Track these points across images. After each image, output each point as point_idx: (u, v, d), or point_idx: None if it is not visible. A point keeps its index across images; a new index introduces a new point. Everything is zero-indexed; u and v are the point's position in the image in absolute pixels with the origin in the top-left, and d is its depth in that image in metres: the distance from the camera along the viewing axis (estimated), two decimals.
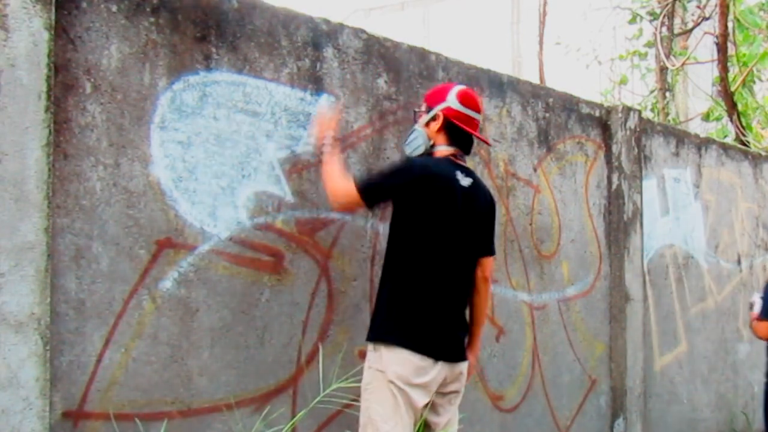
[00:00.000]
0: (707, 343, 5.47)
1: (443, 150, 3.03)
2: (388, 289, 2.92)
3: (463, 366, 3.01)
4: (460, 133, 3.03)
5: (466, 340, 3.10)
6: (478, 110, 3.09)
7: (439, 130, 3.03)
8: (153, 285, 2.74)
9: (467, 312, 3.11)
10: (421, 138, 3.03)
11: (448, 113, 3.01)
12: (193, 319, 2.84)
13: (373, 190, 2.92)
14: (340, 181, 2.95)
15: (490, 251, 3.15)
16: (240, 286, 2.97)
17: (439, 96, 3.07)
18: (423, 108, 3.12)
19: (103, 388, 2.62)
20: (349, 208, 3.07)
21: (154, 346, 2.74)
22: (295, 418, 2.99)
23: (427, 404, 2.85)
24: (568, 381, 4.36)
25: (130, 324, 2.68)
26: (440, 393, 2.94)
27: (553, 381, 4.27)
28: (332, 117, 3.15)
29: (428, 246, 2.90)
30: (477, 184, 3.07)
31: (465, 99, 3.05)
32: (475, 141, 3.20)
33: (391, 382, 2.78)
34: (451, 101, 3.03)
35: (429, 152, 3.03)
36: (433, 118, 3.03)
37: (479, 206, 3.05)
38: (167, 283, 2.78)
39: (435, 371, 2.85)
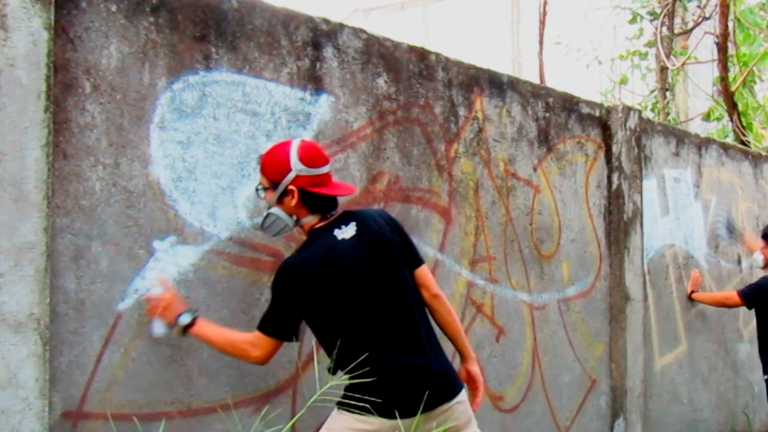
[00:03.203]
0: (707, 343, 5.47)
1: (310, 221, 2.71)
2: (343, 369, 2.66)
3: (452, 405, 2.73)
4: (321, 198, 2.69)
5: (452, 371, 2.83)
6: (326, 162, 2.70)
7: (297, 204, 2.66)
8: (153, 285, 2.74)
9: (431, 342, 2.79)
10: (282, 219, 2.68)
11: (301, 183, 2.63)
12: None
13: (283, 327, 2.64)
14: (243, 341, 2.66)
15: (417, 262, 2.81)
16: (240, 286, 2.97)
17: (281, 165, 2.64)
18: (265, 183, 2.70)
19: (103, 388, 2.62)
20: (275, 352, 2.67)
21: (153, 346, 2.73)
22: (294, 418, 2.98)
23: None
24: (568, 381, 4.36)
25: (130, 324, 2.68)
26: None
27: (553, 381, 4.27)
28: (172, 296, 2.67)
29: (356, 318, 2.64)
30: (361, 222, 2.72)
31: (310, 158, 2.65)
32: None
33: None
34: (298, 168, 2.62)
35: (298, 225, 2.73)
36: (285, 193, 2.65)
37: (376, 240, 2.70)
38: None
39: (407, 426, 2.59)
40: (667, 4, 9.50)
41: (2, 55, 2.36)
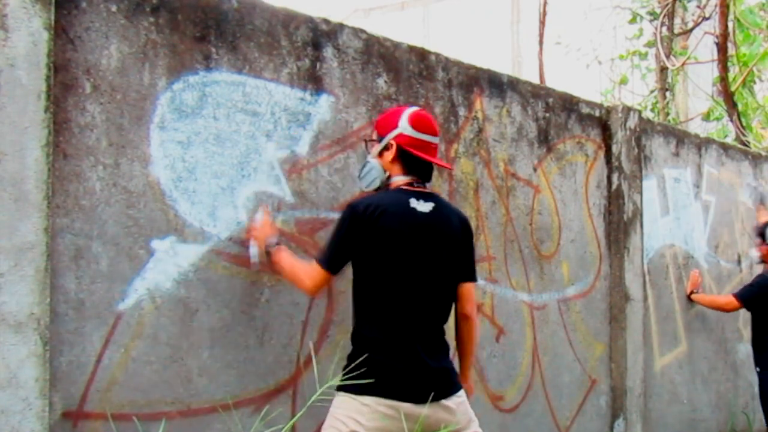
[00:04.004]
0: (707, 343, 5.47)
1: (399, 180, 2.80)
2: (352, 334, 2.79)
3: (452, 401, 2.76)
4: (416, 161, 2.79)
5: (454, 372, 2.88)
6: (434, 133, 2.83)
7: (393, 160, 2.79)
8: (153, 285, 2.74)
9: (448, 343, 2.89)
10: (376, 170, 2.81)
11: (401, 140, 2.77)
12: (193, 319, 2.84)
13: (333, 259, 2.74)
14: (302, 270, 2.79)
15: (470, 277, 2.91)
16: (240, 286, 2.97)
17: (390, 122, 2.82)
18: (374, 136, 2.89)
19: (103, 388, 2.62)
20: (323, 285, 2.83)
21: (153, 346, 2.74)
22: (294, 418, 2.99)
23: None
24: (568, 381, 4.36)
25: (130, 324, 2.68)
26: None
27: (553, 381, 4.27)
28: (267, 223, 2.94)
29: (388, 282, 2.71)
30: (440, 208, 2.82)
31: (418, 123, 2.79)
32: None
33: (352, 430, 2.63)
34: (403, 127, 2.78)
35: (386, 184, 2.82)
36: (386, 148, 2.80)
37: (445, 230, 2.80)
38: (167, 283, 2.78)
39: (400, 413, 2.63)
40: (667, 4, 9.49)
41: (2, 55, 2.36)
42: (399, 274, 2.72)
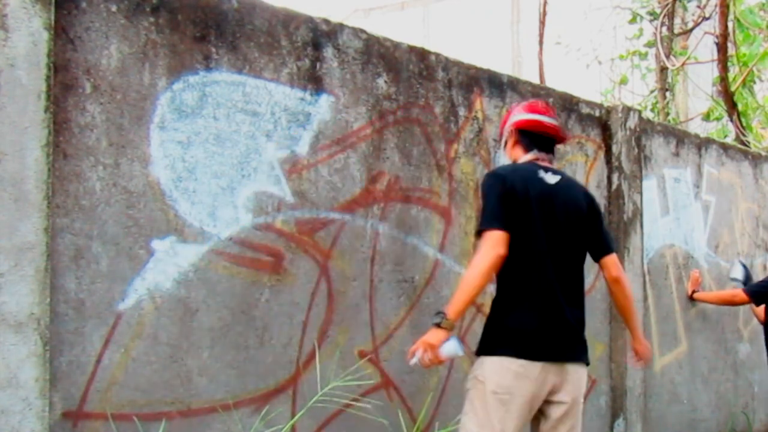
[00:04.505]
0: (707, 343, 5.47)
1: (525, 158, 3.01)
2: (494, 299, 2.92)
3: (579, 371, 2.89)
4: (535, 138, 3.01)
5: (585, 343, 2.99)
6: (545, 113, 3.06)
7: (514, 146, 3.04)
8: (153, 285, 2.74)
9: (582, 311, 3.01)
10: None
11: (517, 125, 3.02)
12: (193, 319, 2.84)
13: (497, 218, 2.78)
14: (477, 259, 2.76)
15: (608, 249, 3.09)
16: (240, 286, 2.97)
17: (506, 117, 3.13)
18: (499, 138, 3.20)
19: (103, 389, 2.62)
20: (506, 245, 2.77)
21: (153, 346, 2.74)
22: (294, 418, 2.99)
23: (536, 415, 2.83)
24: None
25: (130, 324, 2.68)
26: (550, 402, 2.81)
27: None
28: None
29: (525, 249, 2.81)
30: (567, 182, 3.01)
31: (529, 107, 3.07)
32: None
33: (494, 392, 2.73)
34: (516, 115, 3.05)
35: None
36: (508, 137, 3.06)
37: (571, 203, 2.95)
38: (167, 283, 2.78)
39: (537, 373, 2.74)
40: (667, 4, 9.49)
41: (2, 55, 2.36)
42: (533, 242, 2.82)
